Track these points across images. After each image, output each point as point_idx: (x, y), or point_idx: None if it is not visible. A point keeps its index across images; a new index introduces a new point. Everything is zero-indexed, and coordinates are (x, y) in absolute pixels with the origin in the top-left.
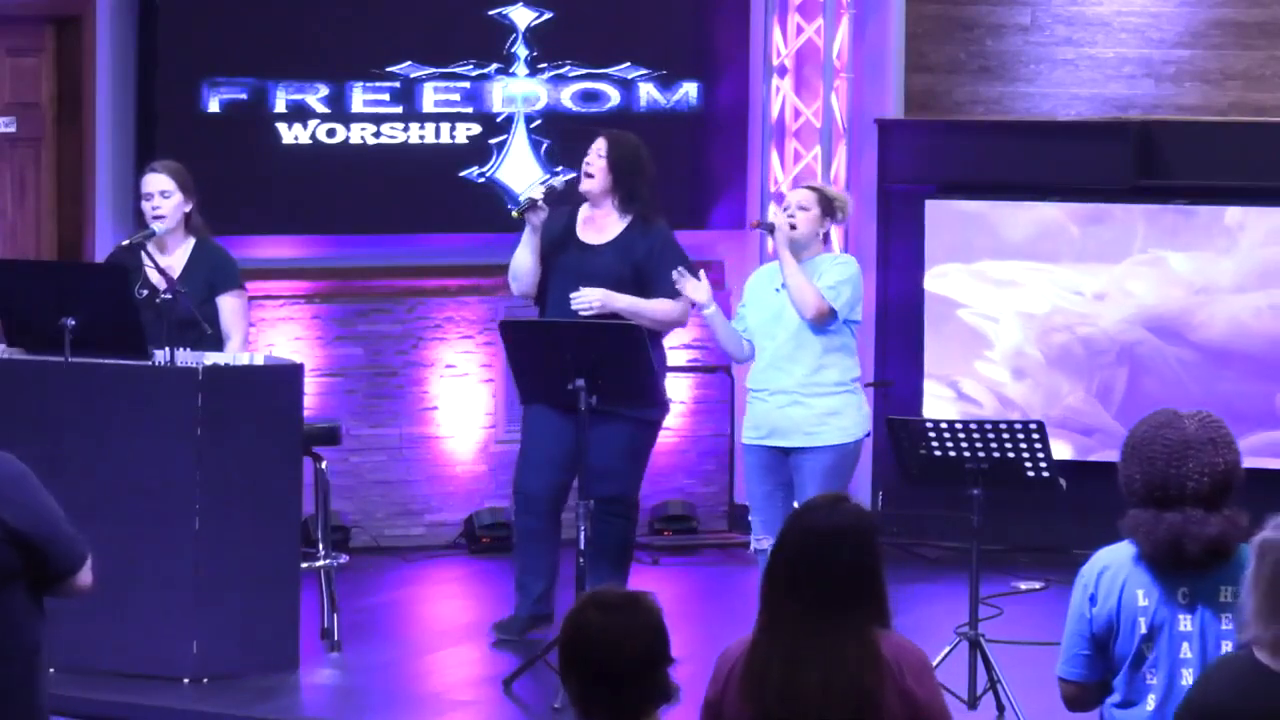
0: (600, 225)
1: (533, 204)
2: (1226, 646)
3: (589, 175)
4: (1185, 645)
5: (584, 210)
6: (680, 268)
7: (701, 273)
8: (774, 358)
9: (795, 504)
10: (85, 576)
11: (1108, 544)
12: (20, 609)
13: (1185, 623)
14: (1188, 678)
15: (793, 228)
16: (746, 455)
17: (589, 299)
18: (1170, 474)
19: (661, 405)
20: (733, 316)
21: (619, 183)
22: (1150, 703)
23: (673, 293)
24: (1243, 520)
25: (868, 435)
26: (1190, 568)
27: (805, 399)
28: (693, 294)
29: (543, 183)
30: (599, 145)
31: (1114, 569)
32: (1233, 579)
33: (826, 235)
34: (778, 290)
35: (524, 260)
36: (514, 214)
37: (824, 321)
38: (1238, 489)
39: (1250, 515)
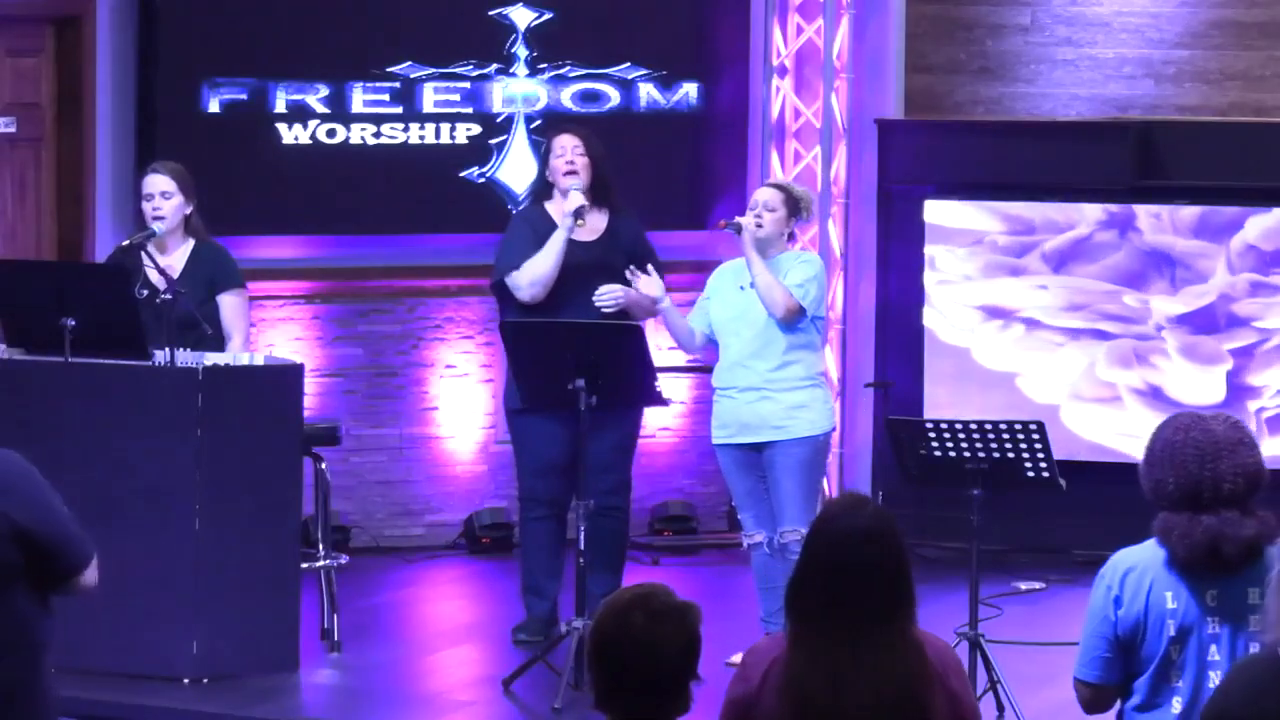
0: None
1: (580, 212)
2: (1255, 649)
3: (573, 173)
4: (1214, 648)
5: (554, 208)
6: (631, 266)
7: (650, 268)
8: (739, 355)
9: (771, 500)
10: (90, 576)
11: (1107, 544)
12: (24, 606)
13: (1214, 625)
14: (1215, 681)
15: (759, 228)
16: (719, 456)
17: (615, 294)
18: (1204, 476)
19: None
20: (693, 308)
21: (597, 176)
22: (1176, 705)
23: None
24: (1274, 521)
25: (834, 429)
26: (1221, 570)
27: (773, 394)
28: (648, 290)
29: (581, 190)
30: (573, 143)
31: (1139, 570)
32: (1260, 581)
33: (791, 234)
34: (743, 289)
35: (552, 266)
36: (577, 223)
37: (794, 319)
38: (1264, 489)
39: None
